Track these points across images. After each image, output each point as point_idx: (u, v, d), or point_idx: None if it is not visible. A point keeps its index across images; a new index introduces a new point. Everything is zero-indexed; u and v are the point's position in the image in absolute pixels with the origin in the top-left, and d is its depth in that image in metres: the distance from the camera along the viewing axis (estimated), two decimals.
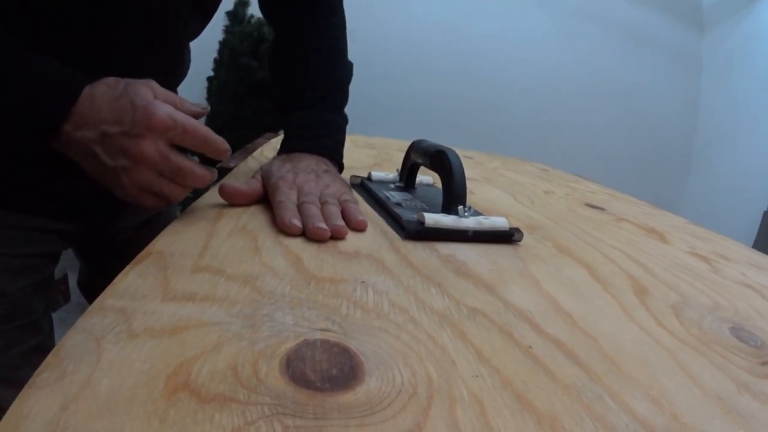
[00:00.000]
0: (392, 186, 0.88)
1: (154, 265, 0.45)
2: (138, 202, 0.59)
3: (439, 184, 0.72)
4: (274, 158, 0.80)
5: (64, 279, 2.14)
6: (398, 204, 0.75)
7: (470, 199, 0.74)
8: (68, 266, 1.88)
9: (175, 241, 0.52)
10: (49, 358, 0.30)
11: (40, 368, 0.29)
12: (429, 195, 0.84)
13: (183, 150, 0.58)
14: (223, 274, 0.45)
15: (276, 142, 1.13)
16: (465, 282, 0.51)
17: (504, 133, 3.81)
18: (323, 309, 0.41)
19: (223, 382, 0.29)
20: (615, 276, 0.60)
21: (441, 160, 0.71)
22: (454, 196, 0.67)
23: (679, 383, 0.37)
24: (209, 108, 0.66)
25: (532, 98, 3.84)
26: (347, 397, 0.29)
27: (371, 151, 1.42)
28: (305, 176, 0.72)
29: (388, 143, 1.66)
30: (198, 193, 0.67)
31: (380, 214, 0.72)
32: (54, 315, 0.89)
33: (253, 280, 0.44)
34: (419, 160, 0.81)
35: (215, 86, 3.11)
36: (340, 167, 0.86)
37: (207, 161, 0.65)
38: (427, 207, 0.75)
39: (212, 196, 0.69)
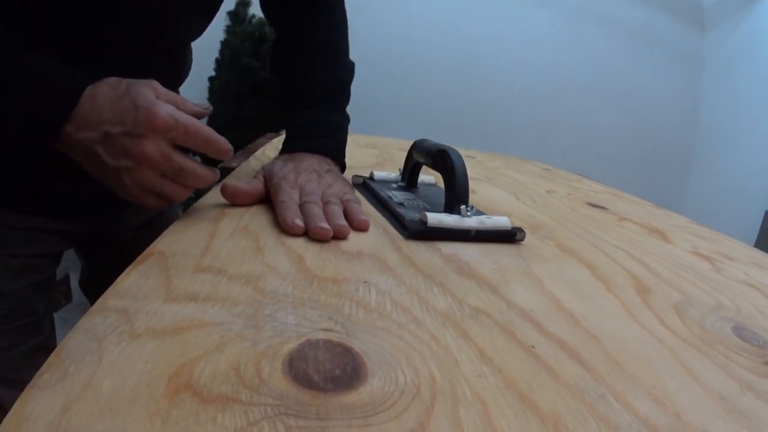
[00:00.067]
0: (394, 186, 0.88)
1: (156, 266, 0.45)
2: (140, 202, 0.59)
3: (442, 184, 0.72)
4: (276, 158, 0.80)
5: (66, 279, 2.13)
6: (400, 204, 0.75)
7: (472, 198, 0.74)
8: (70, 266, 1.88)
9: (177, 241, 0.52)
10: (51, 358, 0.30)
11: (42, 369, 0.29)
12: (431, 194, 0.84)
13: (185, 150, 0.58)
14: (225, 274, 0.45)
15: (278, 142, 1.13)
16: (468, 281, 0.51)
17: (505, 132, 3.81)
18: (326, 309, 0.41)
19: (225, 383, 0.29)
20: (617, 275, 0.60)
21: (443, 159, 0.71)
22: (456, 196, 0.67)
23: (682, 382, 0.37)
24: (211, 108, 0.66)
25: (533, 98, 3.84)
26: (350, 398, 0.29)
27: (373, 151, 1.42)
28: (307, 176, 0.72)
29: (390, 143, 1.66)
30: (200, 193, 0.67)
31: (382, 214, 0.72)
32: (56, 315, 0.89)
33: (256, 280, 0.44)
34: (421, 160, 0.81)
35: (217, 86, 3.11)
36: (343, 167, 0.86)
37: (209, 161, 0.65)
38: (429, 207, 0.75)
39: (214, 196, 0.69)
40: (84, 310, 0.36)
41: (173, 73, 0.85)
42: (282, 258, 0.51)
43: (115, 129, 0.53)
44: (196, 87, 3.01)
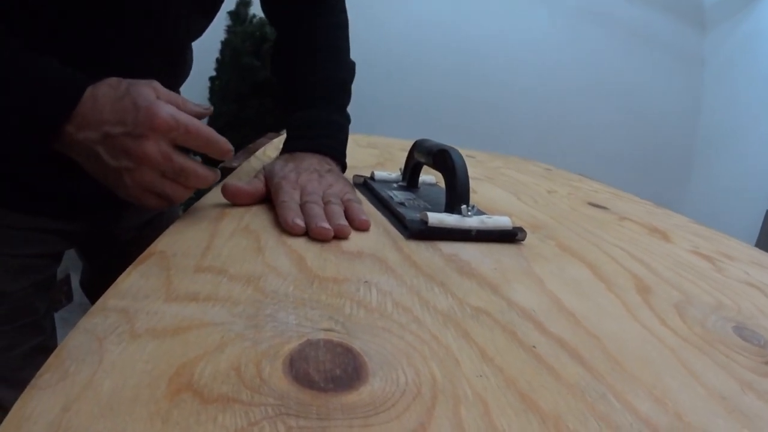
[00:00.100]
0: (395, 185, 0.88)
1: (157, 266, 0.45)
2: (141, 202, 0.59)
3: (442, 184, 0.72)
4: (277, 158, 0.80)
5: (67, 279, 2.14)
6: (401, 203, 0.75)
7: (473, 198, 0.74)
8: (71, 266, 1.88)
9: (177, 241, 0.52)
10: (51, 359, 0.30)
11: (42, 369, 0.29)
12: (432, 194, 0.84)
13: (185, 150, 0.58)
14: (226, 274, 0.45)
15: (278, 141, 1.13)
16: (468, 281, 0.51)
17: (505, 132, 3.81)
18: (326, 309, 0.41)
19: (226, 383, 0.29)
20: (618, 275, 0.60)
21: (444, 159, 0.71)
22: (457, 196, 0.67)
23: (683, 382, 0.37)
24: (212, 108, 0.66)
25: (534, 98, 3.84)
26: (351, 398, 0.29)
27: (374, 151, 1.42)
28: (308, 176, 0.72)
29: (391, 143, 1.66)
30: (200, 193, 0.67)
31: (383, 214, 0.72)
32: (56, 315, 0.89)
33: (256, 280, 0.44)
34: (422, 160, 0.81)
35: (217, 86, 3.11)
36: (343, 167, 0.86)
37: (209, 161, 0.65)
38: (430, 206, 0.75)
39: (215, 195, 0.69)
40: (85, 310, 0.36)
41: (173, 73, 0.85)
42: (283, 258, 0.51)
43: (116, 129, 0.53)
44: (196, 87, 3.02)
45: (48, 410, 0.25)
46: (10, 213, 0.71)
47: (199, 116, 0.61)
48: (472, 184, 0.70)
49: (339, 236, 0.59)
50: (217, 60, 3.16)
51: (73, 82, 0.55)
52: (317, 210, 0.62)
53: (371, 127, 2.12)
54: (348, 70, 0.94)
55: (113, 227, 0.92)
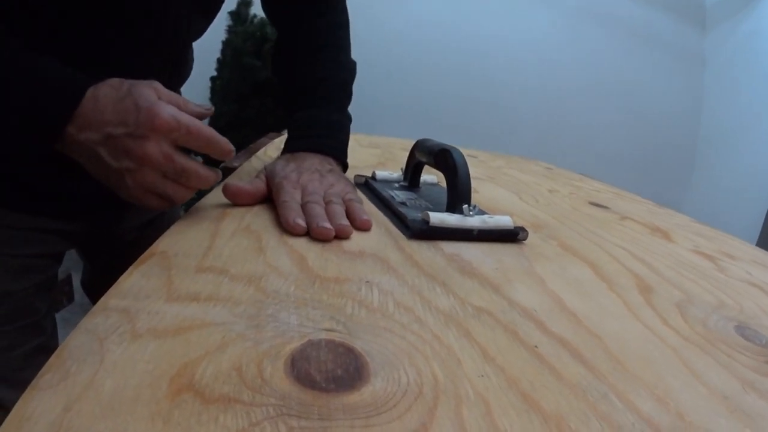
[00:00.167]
0: (396, 185, 0.88)
1: (158, 266, 0.45)
2: (142, 203, 0.59)
3: (444, 183, 0.72)
4: (278, 158, 0.80)
5: (68, 279, 2.13)
6: (403, 203, 0.75)
7: (474, 198, 0.74)
8: (72, 267, 1.88)
9: (178, 242, 0.52)
10: (53, 359, 0.30)
11: (43, 369, 0.29)
12: (433, 194, 0.84)
13: (187, 151, 0.58)
14: (227, 274, 0.45)
15: (279, 141, 1.13)
16: (470, 281, 0.51)
17: (506, 132, 3.82)
18: (328, 309, 0.41)
19: (227, 383, 0.29)
20: (620, 275, 0.60)
21: (445, 158, 0.71)
22: (458, 195, 0.67)
23: (685, 382, 0.37)
24: (213, 109, 0.66)
25: (535, 97, 3.84)
26: (353, 398, 0.29)
27: (375, 151, 1.42)
28: (309, 176, 0.72)
29: (392, 142, 1.66)
30: (201, 193, 0.67)
31: (385, 214, 0.72)
32: (57, 315, 0.89)
33: (258, 280, 0.44)
34: (423, 159, 0.81)
35: (218, 86, 3.11)
36: (345, 166, 0.86)
37: (211, 162, 0.65)
38: (431, 206, 0.75)
39: (216, 196, 0.69)
40: (86, 311, 0.36)
41: (174, 74, 0.85)
42: (284, 258, 0.51)
43: (117, 130, 0.53)
44: (197, 87, 3.02)
45: (49, 410, 0.25)
46: (11, 213, 0.71)
47: (200, 117, 0.61)
48: (473, 183, 0.70)
49: (340, 236, 0.59)
50: (218, 60, 3.16)
51: (74, 82, 0.55)
52: (318, 210, 0.62)
53: (372, 126, 2.12)
54: (349, 69, 0.94)
55: (114, 227, 0.92)
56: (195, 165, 0.58)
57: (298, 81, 0.90)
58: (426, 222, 0.64)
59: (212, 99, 3.13)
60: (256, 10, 3.08)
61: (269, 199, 0.69)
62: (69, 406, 0.26)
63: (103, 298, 0.38)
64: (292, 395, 0.29)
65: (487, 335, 0.40)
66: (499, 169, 1.41)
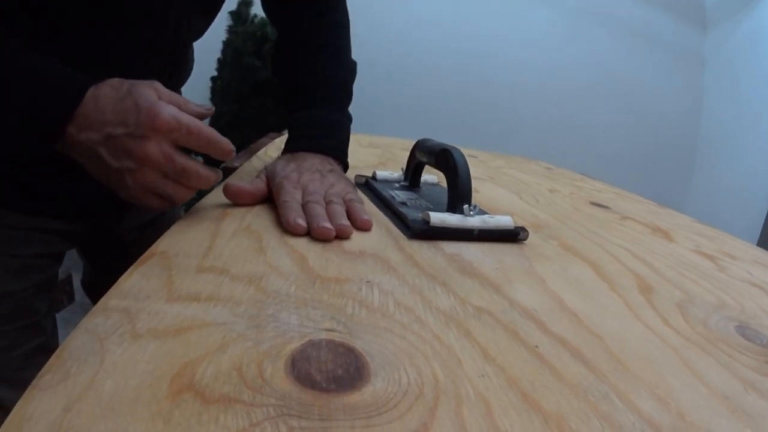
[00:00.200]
0: (397, 185, 0.88)
1: (158, 266, 0.45)
2: (142, 203, 0.59)
3: (444, 183, 0.72)
4: (279, 158, 0.80)
5: (69, 279, 2.13)
6: (403, 203, 0.74)
7: (475, 198, 0.74)
8: (72, 267, 1.88)
9: (179, 242, 0.52)
10: (53, 359, 0.30)
11: (44, 370, 0.29)
12: (434, 194, 0.84)
13: (187, 151, 0.58)
14: (228, 274, 0.45)
15: (280, 141, 1.13)
16: (470, 281, 0.51)
17: (507, 132, 3.82)
18: (328, 309, 0.41)
19: (227, 383, 0.29)
20: (620, 275, 0.60)
21: (446, 158, 0.71)
22: (459, 195, 0.67)
23: (685, 382, 0.37)
24: (213, 109, 0.66)
25: (535, 97, 3.84)
26: (353, 398, 0.29)
27: (375, 151, 1.42)
28: (310, 175, 0.72)
29: (392, 142, 1.66)
30: (202, 193, 0.67)
31: (385, 214, 0.72)
32: (58, 315, 0.89)
33: (258, 280, 0.44)
34: (424, 159, 0.81)
35: (219, 86, 3.11)
36: (345, 166, 0.86)
37: (211, 162, 0.65)
38: (432, 206, 0.75)
39: (216, 196, 0.69)
40: (86, 311, 0.36)
41: (174, 74, 0.85)
42: (284, 258, 0.51)
43: (118, 130, 0.53)
44: (198, 87, 3.02)
45: (49, 411, 0.25)
46: (11, 213, 0.71)
47: (201, 117, 0.61)
48: (474, 183, 0.70)
49: (341, 236, 0.59)
50: (219, 60, 3.16)
51: (74, 82, 0.55)
52: (319, 210, 0.62)
53: (373, 126, 2.12)
54: (349, 69, 0.94)
55: (114, 228, 0.92)
56: (195, 165, 0.58)
57: (298, 81, 0.90)
58: (426, 222, 0.64)
59: (213, 99, 3.13)
60: (257, 10, 3.08)
61: (270, 199, 0.69)
62: (69, 406, 0.26)
63: (103, 299, 0.38)
64: (292, 395, 0.29)
65: (487, 335, 0.40)
66: (500, 169, 1.41)
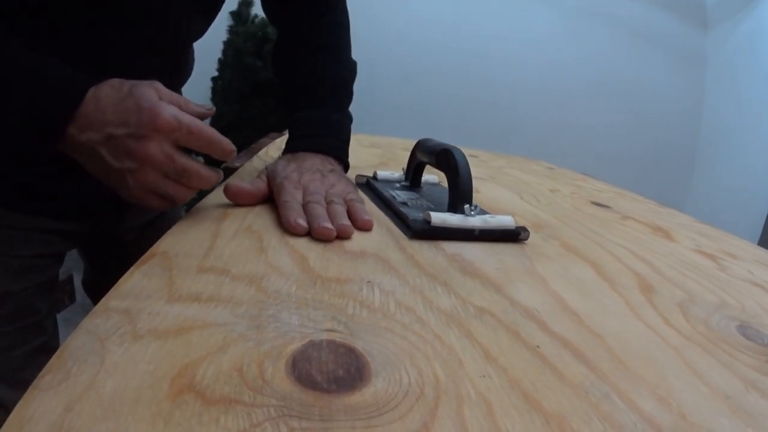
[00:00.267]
0: (398, 185, 0.88)
1: (159, 266, 0.45)
2: (143, 203, 0.59)
3: (445, 183, 0.72)
4: (279, 158, 0.80)
5: (69, 279, 2.13)
6: (404, 203, 0.74)
7: (476, 197, 0.74)
8: (73, 267, 1.88)
9: (179, 242, 0.52)
10: (53, 359, 0.30)
11: (44, 370, 0.29)
12: (435, 194, 0.84)
13: (188, 151, 0.58)
14: (228, 274, 0.45)
15: (281, 141, 1.13)
16: (472, 281, 0.51)
17: (507, 132, 3.82)
18: (329, 309, 0.41)
19: (228, 384, 0.29)
20: (621, 274, 0.60)
21: (447, 158, 0.71)
22: (460, 195, 0.67)
23: (686, 381, 0.37)
24: (214, 109, 0.66)
25: (536, 97, 3.85)
26: (354, 398, 0.29)
27: (376, 151, 1.42)
28: (310, 176, 0.72)
29: (393, 142, 1.66)
30: (203, 193, 0.67)
31: (386, 214, 0.72)
32: (59, 315, 0.89)
33: (259, 281, 0.44)
34: (425, 159, 0.81)
35: (219, 86, 3.11)
36: (346, 166, 0.86)
37: (212, 162, 0.65)
38: (433, 206, 0.75)
39: (217, 196, 0.69)
40: (87, 311, 0.36)
41: (175, 74, 0.85)
42: (285, 258, 0.51)
43: (119, 131, 0.53)
44: (199, 87, 3.02)
45: (50, 411, 0.25)
46: (11, 213, 0.71)
47: (202, 117, 0.61)
48: (475, 183, 0.70)
49: (342, 236, 0.59)
50: (219, 60, 3.17)
51: (75, 82, 0.55)
52: (320, 210, 0.62)
53: (374, 126, 2.12)
54: (349, 69, 0.94)
55: (115, 228, 0.92)
56: (196, 165, 0.58)
57: (299, 81, 0.90)
58: (427, 222, 0.64)
59: (213, 99, 3.14)
60: (257, 10, 3.08)
61: (270, 199, 0.69)
62: (70, 406, 0.26)
63: (104, 299, 0.38)
64: (293, 396, 0.29)
65: (488, 335, 0.40)
66: (501, 169, 1.41)
